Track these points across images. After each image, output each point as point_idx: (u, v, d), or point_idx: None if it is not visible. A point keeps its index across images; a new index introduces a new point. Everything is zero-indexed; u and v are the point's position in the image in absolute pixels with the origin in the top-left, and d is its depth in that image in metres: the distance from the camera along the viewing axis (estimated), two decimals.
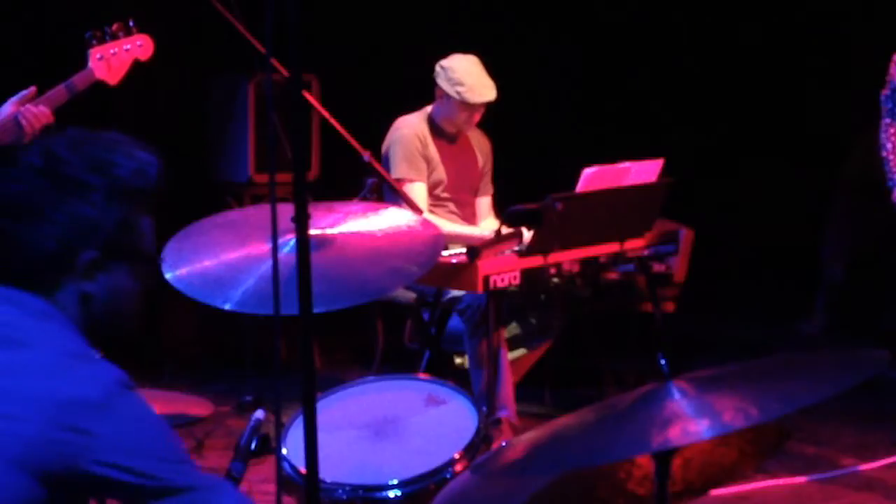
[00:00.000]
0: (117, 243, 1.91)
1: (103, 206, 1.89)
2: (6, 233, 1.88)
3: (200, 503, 1.86)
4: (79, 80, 3.89)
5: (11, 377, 1.79)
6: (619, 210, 4.61)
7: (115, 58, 3.94)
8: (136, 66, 4.01)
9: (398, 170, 4.98)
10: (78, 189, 1.88)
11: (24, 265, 1.88)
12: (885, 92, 4.79)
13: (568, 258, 4.54)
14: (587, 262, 4.66)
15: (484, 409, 2.96)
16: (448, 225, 4.92)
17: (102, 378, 1.81)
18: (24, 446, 1.75)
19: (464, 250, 4.41)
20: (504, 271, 4.35)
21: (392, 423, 2.89)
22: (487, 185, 5.33)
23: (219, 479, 1.94)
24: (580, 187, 4.62)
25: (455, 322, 4.95)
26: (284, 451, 2.76)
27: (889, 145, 4.81)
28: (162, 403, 3.01)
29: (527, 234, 4.56)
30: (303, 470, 2.57)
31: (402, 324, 5.35)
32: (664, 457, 1.94)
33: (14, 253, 1.88)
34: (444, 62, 5.03)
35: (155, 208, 1.97)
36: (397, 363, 5.25)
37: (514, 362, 4.93)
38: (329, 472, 2.62)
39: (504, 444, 2.16)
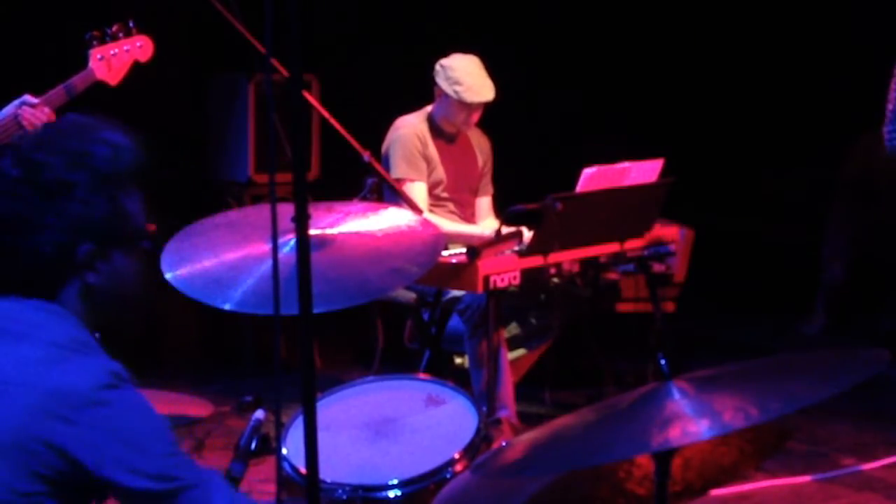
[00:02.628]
0: (110, 230, 1.92)
1: (89, 200, 1.89)
2: (2, 245, 1.88)
3: (194, 501, 1.86)
4: (79, 81, 3.89)
5: (4, 367, 1.81)
6: (619, 210, 4.61)
7: (115, 58, 3.95)
8: (137, 65, 4.02)
9: (398, 170, 4.98)
10: (62, 189, 1.87)
11: (26, 273, 1.89)
12: None
13: (568, 258, 4.55)
14: (587, 262, 4.66)
15: (484, 409, 2.96)
16: (448, 224, 4.92)
17: (94, 370, 1.82)
18: (12, 434, 1.76)
19: (464, 250, 4.41)
20: (504, 271, 4.35)
21: (392, 423, 2.89)
22: (487, 184, 5.33)
23: (210, 474, 1.93)
24: (580, 187, 4.62)
25: (455, 322, 4.95)
26: (284, 451, 2.76)
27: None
28: (162, 403, 3.01)
29: (527, 234, 4.56)
30: (303, 470, 2.58)
31: (402, 324, 5.35)
32: (664, 457, 1.94)
33: (13, 263, 1.89)
34: (444, 61, 5.03)
35: (141, 183, 1.96)
36: (397, 363, 5.25)
37: (514, 362, 4.94)
38: (329, 472, 2.62)
39: (504, 444, 2.16)
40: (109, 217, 1.91)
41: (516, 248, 4.46)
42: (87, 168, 1.89)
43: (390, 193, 4.80)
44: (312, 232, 2.69)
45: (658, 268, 4.91)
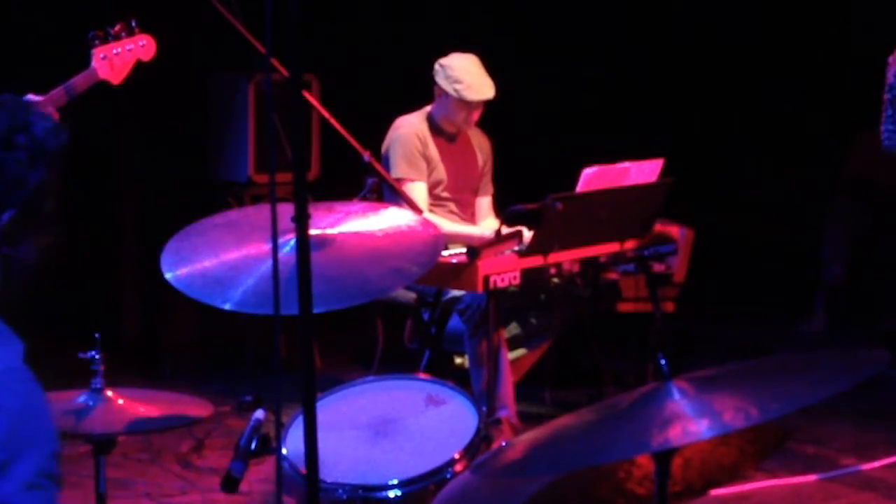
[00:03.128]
0: (35, 201, 1.89)
1: (27, 165, 1.86)
2: None
3: None
4: (82, 80, 3.89)
5: None
6: (619, 210, 4.62)
7: (117, 58, 3.95)
8: (137, 65, 4.01)
9: (398, 169, 4.98)
10: (5, 148, 1.85)
11: None
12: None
13: (568, 258, 4.55)
14: (587, 262, 4.67)
15: (484, 409, 2.96)
16: (448, 224, 4.92)
17: None
18: None
19: (464, 250, 4.41)
20: (504, 271, 4.35)
21: (392, 423, 2.90)
22: (487, 184, 5.33)
23: None
24: (580, 187, 4.62)
25: (455, 322, 4.95)
26: (284, 451, 2.77)
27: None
28: (162, 404, 3.01)
29: (527, 234, 4.56)
30: (303, 470, 2.58)
31: (402, 324, 5.35)
32: (664, 457, 1.94)
33: None
34: (443, 60, 5.03)
35: (60, 168, 1.93)
36: (397, 363, 5.25)
37: (514, 362, 4.93)
38: (329, 472, 2.63)
39: (504, 444, 2.16)
40: (39, 187, 1.88)
41: (516, 248, 4.46)
42: (28, 133, 1.88)
43: (390, 193, 4.80)
44: (312, 232, 2.69)
45: (658, 268, 4.91)
